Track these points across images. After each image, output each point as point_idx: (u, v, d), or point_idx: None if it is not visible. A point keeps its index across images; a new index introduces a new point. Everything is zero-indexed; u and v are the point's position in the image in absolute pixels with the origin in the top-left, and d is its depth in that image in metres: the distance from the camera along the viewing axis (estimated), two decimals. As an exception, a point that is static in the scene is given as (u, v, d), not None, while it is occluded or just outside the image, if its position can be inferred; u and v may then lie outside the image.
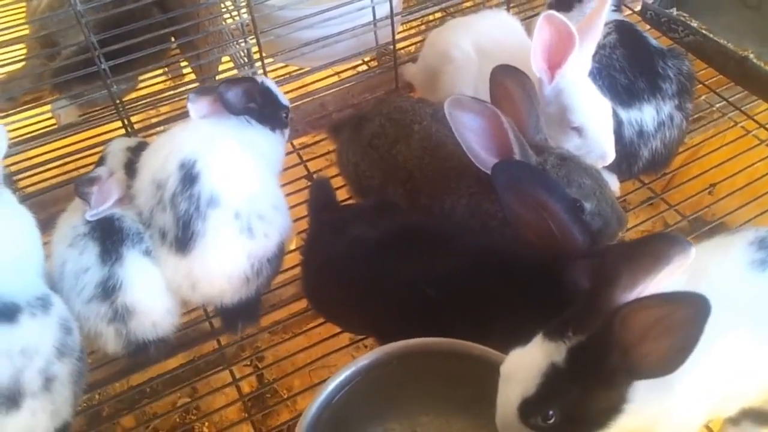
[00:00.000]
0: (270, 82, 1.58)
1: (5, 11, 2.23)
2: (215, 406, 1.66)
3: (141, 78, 2.05)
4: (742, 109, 1.83)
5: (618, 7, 1.83)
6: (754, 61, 1.72)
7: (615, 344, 0.84)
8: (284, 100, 1.59)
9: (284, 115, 1.56)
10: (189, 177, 1.28)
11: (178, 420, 1.77)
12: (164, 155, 1.31)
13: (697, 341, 0.81)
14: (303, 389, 1.54)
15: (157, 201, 1.30)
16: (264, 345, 1.71)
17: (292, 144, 1.88)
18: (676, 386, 0.90)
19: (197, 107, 1.42)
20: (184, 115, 1.82)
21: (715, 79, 1.89)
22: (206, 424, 1.76)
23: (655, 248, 0.86)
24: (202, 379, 1.54)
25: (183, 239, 1.28)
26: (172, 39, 2.04)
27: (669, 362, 0.84)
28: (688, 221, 1.64)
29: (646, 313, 0.82)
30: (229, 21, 1.91)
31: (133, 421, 1.65)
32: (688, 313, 0.80)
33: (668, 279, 0.86)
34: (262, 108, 1.49)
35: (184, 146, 1.31)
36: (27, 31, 2.08)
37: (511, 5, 2.15)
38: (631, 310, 0.83)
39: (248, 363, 1.79)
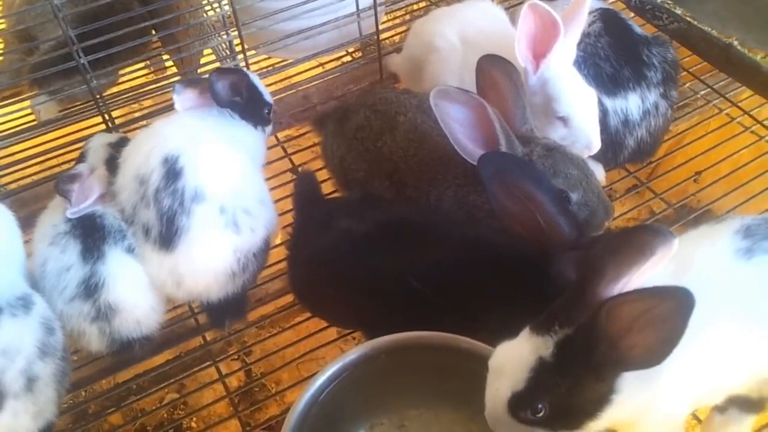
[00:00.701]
0: (255, 78, 1.56)
1: (-20, 5, 2.19)
2: (203, 401, 1.66)
3: (122, 72, 2.03)
4: (727, 96, 1.83)
5: (602, -5, 1.82)
6: (739, 48, 1.72)
7: (602, 337, 0.84)
8: (268, 96, 1.57)
9: (266, 111, 1.54)
10: (172, 172, 1.26)
11: (165, 416, 1.76)
12: (147, 150, 1.29)
13: (681, 334, 0.81)
14: (292, 383, 1.53)
15: (140, 197, 1.28)
16: (251, 340, 1.70)
17: (276, 137, 1.87)
18: (663, 376, 0.90)
19: (183, 99, 1.40)
20: (166, 109, 1.80)
21: (699, 66, 1.89)
22: (194, 419, 1.75)
23: (639, 240, 0.86)
24: (189, 376, 1.53)
25: (167, 235, 1.26)
26: (153, 32, 2.01)
27: (655, 354, 0.84)
28: (674, 209, 1.64)
29: (631, 307, 0.82)
30: (210, 13, 1.89)
31: (120, 419, 1.64)
32: (672, 307, 0.81)
33: (653, 269, 0.86)
34: (247, 103, 1.47)
35: (168, 141, 1.30)
36: (4, 26, 2.04)
37: (496, -6, 2.14)
38: (616, 304, 0.83)
39: (236, 358, 1.78)
